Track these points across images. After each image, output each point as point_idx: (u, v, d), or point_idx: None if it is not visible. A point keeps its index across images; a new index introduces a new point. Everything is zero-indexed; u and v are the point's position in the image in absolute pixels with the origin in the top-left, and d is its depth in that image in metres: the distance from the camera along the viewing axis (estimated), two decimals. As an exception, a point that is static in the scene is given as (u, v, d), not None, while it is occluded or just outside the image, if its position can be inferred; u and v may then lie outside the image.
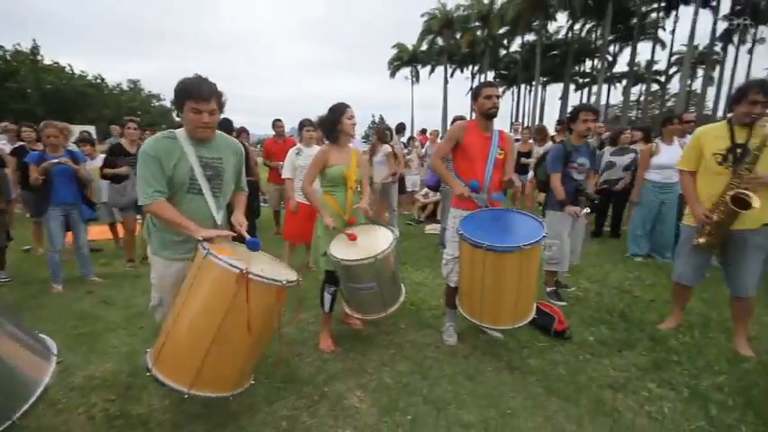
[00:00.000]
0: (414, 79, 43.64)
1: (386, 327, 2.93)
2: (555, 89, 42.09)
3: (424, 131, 9.50)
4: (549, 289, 3.37)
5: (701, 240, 2.53)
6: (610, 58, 34.98)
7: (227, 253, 1.69)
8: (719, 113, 28.74)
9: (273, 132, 5.65)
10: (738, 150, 2.37)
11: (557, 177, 3.20)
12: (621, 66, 36.09)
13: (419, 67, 42.79)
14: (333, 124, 2.53)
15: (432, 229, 6.11)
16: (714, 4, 26.13)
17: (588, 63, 38.16)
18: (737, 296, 2.54)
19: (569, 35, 34.47)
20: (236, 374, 1.79)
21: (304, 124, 4.09)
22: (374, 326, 2.93)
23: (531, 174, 6.29)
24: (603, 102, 34.87)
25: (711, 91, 30.16)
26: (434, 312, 3.16)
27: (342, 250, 2.36)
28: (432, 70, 41.82)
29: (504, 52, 39.88)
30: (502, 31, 35.54)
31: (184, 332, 1.69)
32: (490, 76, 40.37)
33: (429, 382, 2.27)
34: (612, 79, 37.62)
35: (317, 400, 2.12)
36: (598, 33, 32.50)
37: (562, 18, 32.50)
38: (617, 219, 5.71)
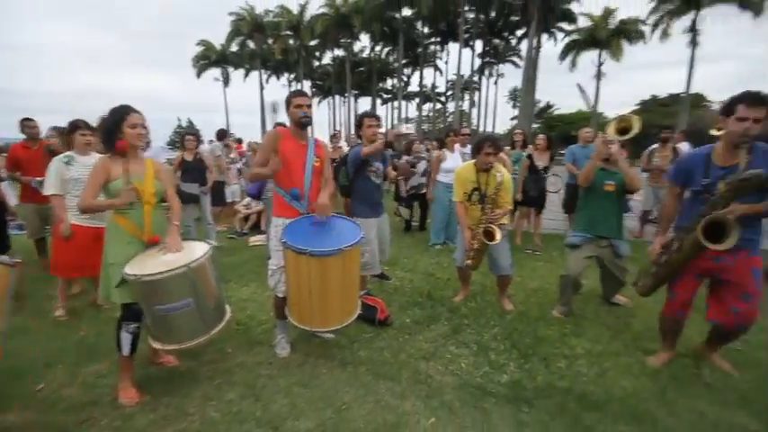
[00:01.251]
0: (224, 81, 40.61)
1: (210, 355, 2.61)
2: (365, 102, 46.59)
3: (239, 141, 8.95)
4: (362, 292, 3.48)
5: (468, 262, 3.26)
6: (405, 79, 41.15)
7: None
8: (481, 129, 37.72)
9: (24, 135, 4.25)
10: (480, 192, 3.16)
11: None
12: (415, 86, 43.00)
13: (230, 69, 40.09)
14: (110, 133, 2.09)
15: (256, 240, 5.81)
16: (472, 44, 34.10)
17: (390, 81, 43.84)
18: (501, 275, 3.35)
19: (372, 55, 38.75)
20: None
21: (78, 126, 3.22)
22: (193, 358, 2.57)
23: None
24: (404, 115, 40.77)
25: (475, 111, 39.32)
26: (265, 327, 3.02)
27: (143, 267, 1.97)
28: (246, 74, 39.86)
29: (317, 63, 41.64)
30: (313, 42, 36.99)
31: None
32: (306, 85, 41.47)
33: (263, 402, 2.14)
34: (409, 97, 44.37)
35: (119, 467, 1.71)
36: (394, 57, 37.64)
37: (366, 39, 36.33)
38: (423, 215, 6.74)
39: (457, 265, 3.53)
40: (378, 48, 37.84)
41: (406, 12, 32.44)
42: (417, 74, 38.53)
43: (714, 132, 4.69)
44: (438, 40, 37.00)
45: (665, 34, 24.58)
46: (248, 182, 5.87)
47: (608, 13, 27.63)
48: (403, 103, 39.07)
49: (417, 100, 40.66)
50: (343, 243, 2.24)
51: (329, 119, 45.87)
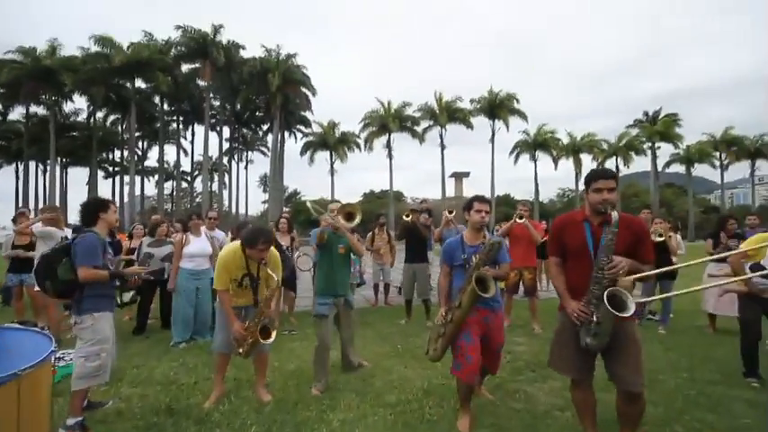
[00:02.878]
0: None
1: None
2: (80, 173, 37.26)
3: None
4: (73, 421, 2.54)
5: (240, 351, 3.05)
6: (140, 152, 36.19)
7: None
8: (233, 211, 36.98)
9: None
10: (252, 277, 3.11)
11: (89, 271, 2.64)
12: (153, 161, 38.26)
13: None
14: None
15: None
16: (219, 129, 34.24)
17: (118, 152, 37.37)
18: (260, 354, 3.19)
19: (92, 121, 32.40)
20: None
21: None
22: None
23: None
24: (139, 192, 34.91)
25: (226, 193, 38.41)
26: None
27: None
28: None
29: (0, 119, 30.92)
30: (-6, 92, 27.61)
31: None
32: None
33: None
34: (146, 172, 38.83)
35: None
36: (124, 127, 32.89)
37: (82, 101, 30.17)
38: (167, 309, 5.54)
39: (216, 349, 3.19)
40: (100, 114, 32.14)
41: (142, 83, 29.59)
42: (156, 149, 34.62)
43: (404, 217, 6.47)
44: (181, 119, 35.29)
45: (370, 148, 35.24)
46: None
47: (332, 125, 34.97)
48: (138, 178, 33.60)
49: (156, 177, 36.06)
50: (19, 364, 1.56)
51: (17, 190, 33.68)
